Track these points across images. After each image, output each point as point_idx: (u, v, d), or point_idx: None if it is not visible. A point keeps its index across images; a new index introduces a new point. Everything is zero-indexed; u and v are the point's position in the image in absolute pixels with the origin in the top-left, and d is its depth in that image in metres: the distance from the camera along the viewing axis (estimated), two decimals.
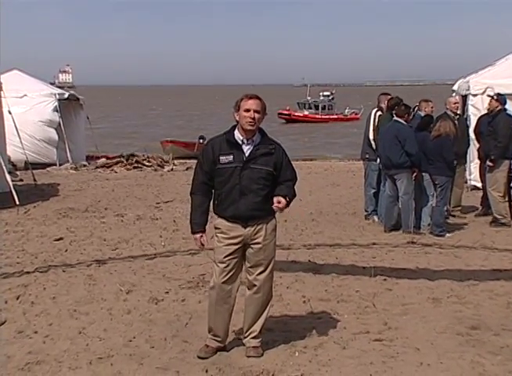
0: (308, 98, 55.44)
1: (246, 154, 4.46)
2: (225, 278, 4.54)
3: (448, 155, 8.62)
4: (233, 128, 4.55)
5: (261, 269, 4.56)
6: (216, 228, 4.58)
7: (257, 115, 4.41)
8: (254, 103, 4.43)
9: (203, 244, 4.57)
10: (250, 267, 4.58)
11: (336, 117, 52.40)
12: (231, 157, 4.44)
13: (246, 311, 4.70)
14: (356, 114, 51.10)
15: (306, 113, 52.87)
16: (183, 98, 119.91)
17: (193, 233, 4.60)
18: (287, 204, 4.50)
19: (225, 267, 4.53)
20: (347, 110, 52.85)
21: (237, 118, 4.49)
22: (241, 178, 4.42)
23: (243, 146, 4.48)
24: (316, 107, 53.51)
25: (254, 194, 4.44)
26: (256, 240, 4.51)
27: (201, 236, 4.55)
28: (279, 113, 52.21)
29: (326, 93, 57.56)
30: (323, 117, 52.25)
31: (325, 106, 53.71)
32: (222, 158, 4.45)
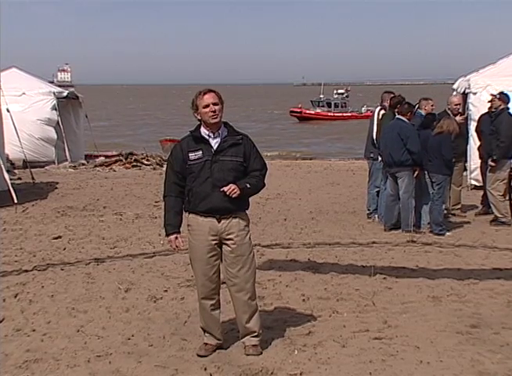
0: (321, 96, 55.17)
1: (215, 147, 4.48)
2: (208, 275, 4.53)
3: (447, 153, 8.55)
4: (198, 126, 4.58)
5: (239, 265, 4.53)
6: (189, 225, 4.57)
7: (217, 107, 4.45)
8: (209, 96, 4.47)
9: (177, 246, 4.55)
10: (228, 265, 4.56)
11: (350, 114, 51.82)
12: (200, 153, 4.46)
13: (235, 312, 4.68)
14: (371, 112, 50.75)
15: (318, 110, 52.52)
16: (182, 98, 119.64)
17: (168, 235, 4.59)
18: (243, 192, 4.43)
19: (206, 265, 4.53)
20: (364, 109, 52.17)
21: (198, 117, 4.52)
22: (212, 171, 4.43)
23: (211, 140, 4.51)
24: (329, 105, 53.15)
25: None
26: (229, 236, 4.50)
27: (176, 237, 4.54)
28: (291, 111, 52.02)
29: (340, 91, 57.20)
30: (336, 114, 51.76)
31: (338, 104, 53.32)
32: (191, 155, 4.47)
